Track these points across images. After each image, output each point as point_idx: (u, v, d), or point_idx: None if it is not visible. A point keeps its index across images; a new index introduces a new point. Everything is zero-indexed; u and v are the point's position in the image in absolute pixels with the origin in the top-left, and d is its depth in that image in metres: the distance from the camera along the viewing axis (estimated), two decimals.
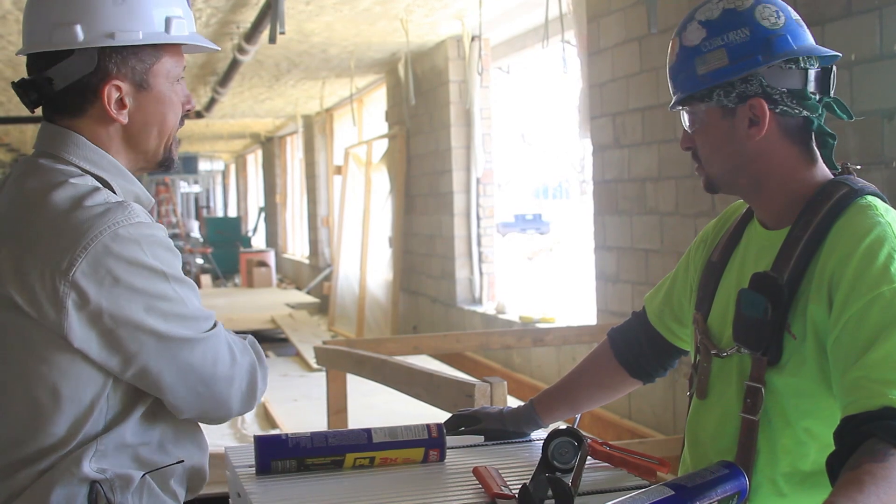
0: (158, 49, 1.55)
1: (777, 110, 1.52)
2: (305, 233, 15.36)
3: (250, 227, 22.15)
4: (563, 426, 1.72)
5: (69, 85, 1.51)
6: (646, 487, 1.60)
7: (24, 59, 1.56)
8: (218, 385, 1.56)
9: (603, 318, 5.67)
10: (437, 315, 8.59)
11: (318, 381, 7.63)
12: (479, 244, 8.09)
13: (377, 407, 6.16)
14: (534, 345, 5.13)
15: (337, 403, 4.19)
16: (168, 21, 1.55)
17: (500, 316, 7.33)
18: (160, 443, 1.58)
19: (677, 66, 1.59)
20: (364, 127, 11.35)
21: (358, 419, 4.50)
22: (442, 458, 1.78)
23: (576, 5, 5.67)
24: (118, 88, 1.53)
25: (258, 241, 20.90)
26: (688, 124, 1.60)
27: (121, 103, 1.54)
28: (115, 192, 1.54)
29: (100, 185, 1.51)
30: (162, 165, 1.65)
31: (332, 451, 1.72)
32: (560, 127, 28.33)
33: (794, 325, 1.48)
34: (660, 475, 1.69)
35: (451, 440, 1.84)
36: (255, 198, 22.77)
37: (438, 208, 8.42)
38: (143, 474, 1.52)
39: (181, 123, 1.66)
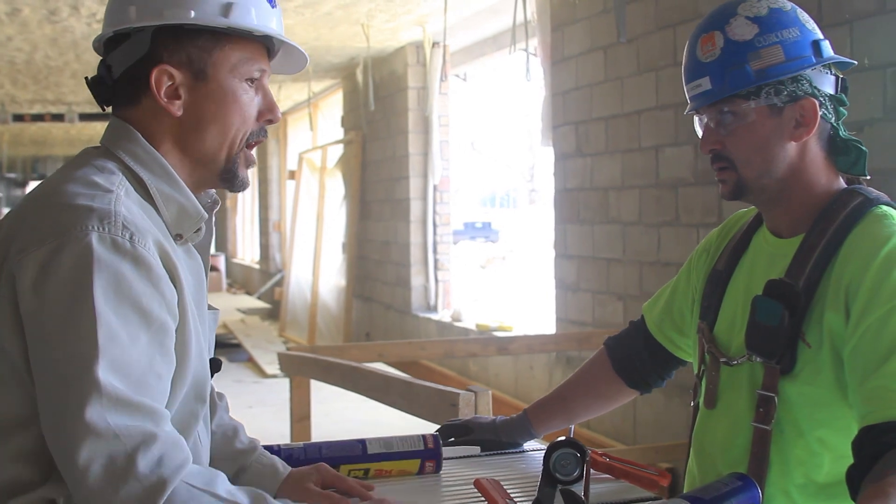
0: (220, 38, 1.42)
1: (820, 113, 1.51)
2: (256, 237, 15.18)
3: None
4: (560, 438, 1.69)
5: (125, 71, 1.41)
6: (651, 500, 1.58)
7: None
8: (78, 487, 1.19)
9: (562, 327, 5.66)
10: (391, 322, 8.53)
11: (272, 388, 7.54)
12: (434, 251, 8.05)
13: (333, 414, 6.10)
14: (499, 353, 5.10)
15: (300, 411, 4.12)
16: (228, 6, 1.41)
17: (456, 324, 7.30)
18: None
19: (721, 62, 1.52)
20: (319, 132, 11.26)
21: (316, 426, 4.43)
22: (438, 469, 1.74)
23: (540, 14, 5.67)
24: (170, 76, 1.40)
25: None
26: (716, 124, 1.54)
27: (174, 93, 1.41)
28: (150, 195, 1.40)
29: (112, 189, 1.34)
30: (223, 178, 1.45)
31: (326, 462, 1.66)
32: (511, 136, 28.50)
33: (808, 334, 1.46)
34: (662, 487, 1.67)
35: (445, 451, 1.80)
36: None
37: (394, 215, 8.37)
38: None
39: (262, 136, 1.48)
